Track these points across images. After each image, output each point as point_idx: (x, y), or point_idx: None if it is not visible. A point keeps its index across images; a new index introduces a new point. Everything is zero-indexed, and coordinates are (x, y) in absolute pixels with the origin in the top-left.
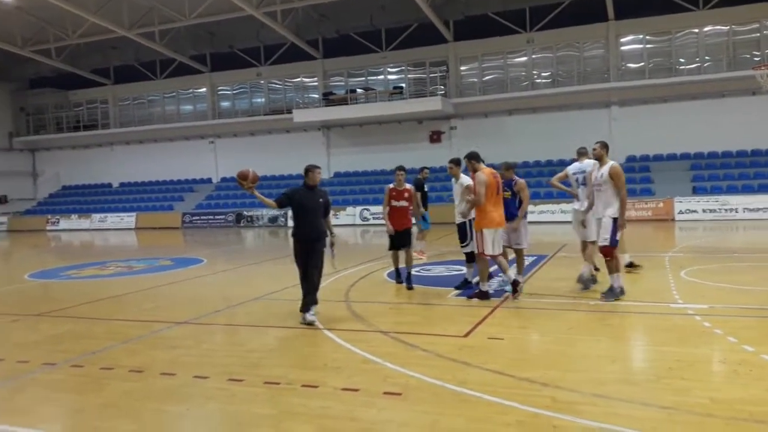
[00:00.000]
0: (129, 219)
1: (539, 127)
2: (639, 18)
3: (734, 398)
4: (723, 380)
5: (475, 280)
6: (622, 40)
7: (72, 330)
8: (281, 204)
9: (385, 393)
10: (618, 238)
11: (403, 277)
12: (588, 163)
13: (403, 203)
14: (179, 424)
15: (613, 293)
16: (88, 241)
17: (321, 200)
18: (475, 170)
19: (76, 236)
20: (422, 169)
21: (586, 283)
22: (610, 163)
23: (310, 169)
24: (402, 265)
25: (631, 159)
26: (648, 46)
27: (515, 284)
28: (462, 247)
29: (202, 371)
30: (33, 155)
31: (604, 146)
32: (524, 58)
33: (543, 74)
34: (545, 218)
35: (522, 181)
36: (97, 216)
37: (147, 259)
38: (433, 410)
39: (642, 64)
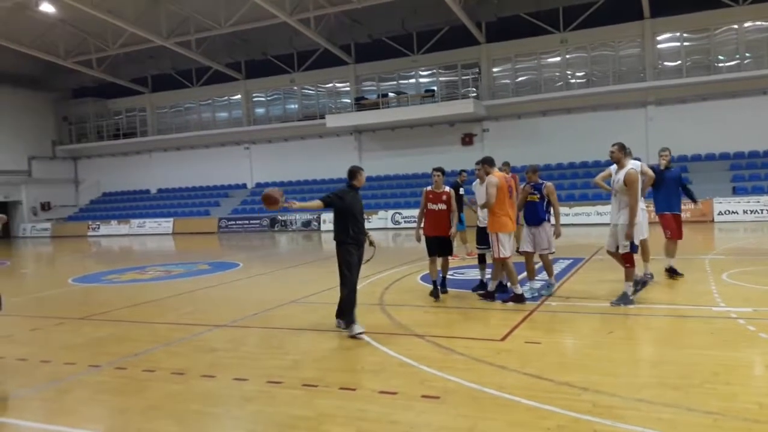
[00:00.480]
0: (166, 224)
1: (574, 128)
2: (676, 15)
3: None
4: None
5: (505, 283)
6: (659, 38)
7: (114, 333)
8: (329, 203)
9: (423, 396)
10: (637, 243)
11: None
12: (633, 163)
13: (441, 206)
14: (220, 426)
15: (625, 299)
16: (127, 246)
17: (362, 203)
18: (487, 174)
19: (115, 241)
20: (461, 172)
21: (637, 284)
22: (627, 168)
23: (357, 171)
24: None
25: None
26: (685, 43)
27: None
28: (478, 249)
29: (242, 373)
30: (75, 163)
31: (622, 148)
32: (558, 59)
33: (577, 74)
34: (580, 220)
35: (550, 184)
36: (135, 222)
37: (185, 264)
38: (472, 414)
39: (679, 62)
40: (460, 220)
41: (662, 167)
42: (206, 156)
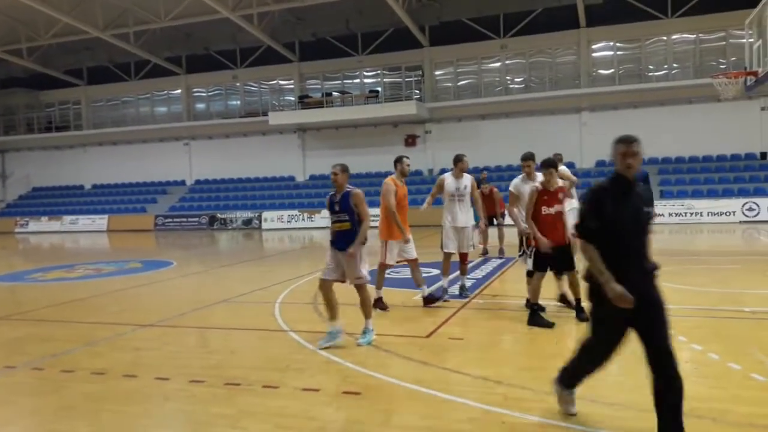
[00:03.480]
0: (101, 221)
1: (512, 132)
2: (610, 25)
3: None
4: None
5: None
6: (594, 46)
7: (33, 333)
8: None
9: (344, 392)
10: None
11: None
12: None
13: (558, 209)
14: (134, 424)
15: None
16: (57, 243)
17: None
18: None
19: (45, 238)
20: (483, 170)
21: None
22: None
23: (460, 158)
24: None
25: (601, 164)
26: (618, 53)
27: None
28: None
29: (164, 373)
30: (2, 156)
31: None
32: (498, 64)
33: (516, 80)
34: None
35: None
36: (68, 218)
37: (116, 262)
38: (388, 408)
39: (612, 70)
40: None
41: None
42: (144, 151)
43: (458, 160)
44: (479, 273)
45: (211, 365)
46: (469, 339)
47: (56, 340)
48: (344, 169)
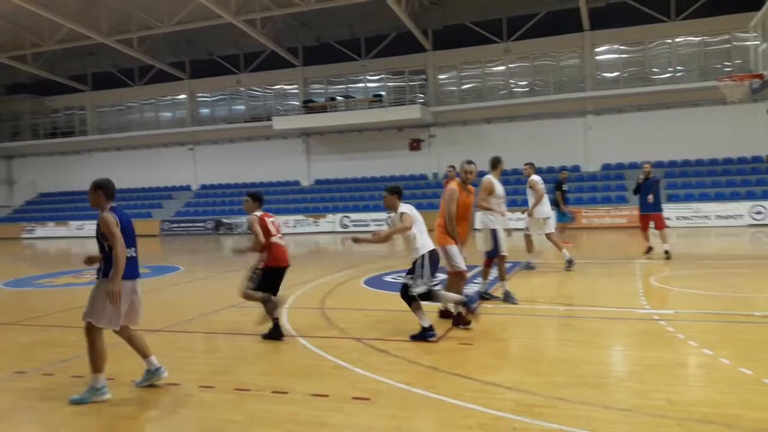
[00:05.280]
0: None
1: (517, 135)
2: (613, 29)
3: (690, 400)
4: (680, 383)
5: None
6: (598, 50)
7: (44, 338)
8: None
9: (354, 398)
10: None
11: None
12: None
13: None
14: (148, 431)
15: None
16: (64, 249)
17: None
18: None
19: (52, 244)
20: (562, 170)
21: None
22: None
23: (500, 160)
24: None
25: (606, 167)
26: (623, 56)
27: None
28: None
29: (174, 378)
30: (8, 162)
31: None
32: (502, 68)
33: (520, 83)
34: (521, 225)
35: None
36: (74, 223)
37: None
38: (399, 414)
39: (617, 73)
40: (564, 213)
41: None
42: (149, 156)
43: (499, 161)
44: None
45: (220, 371)
46: (478, 344)
47: (66, 346)
48: None
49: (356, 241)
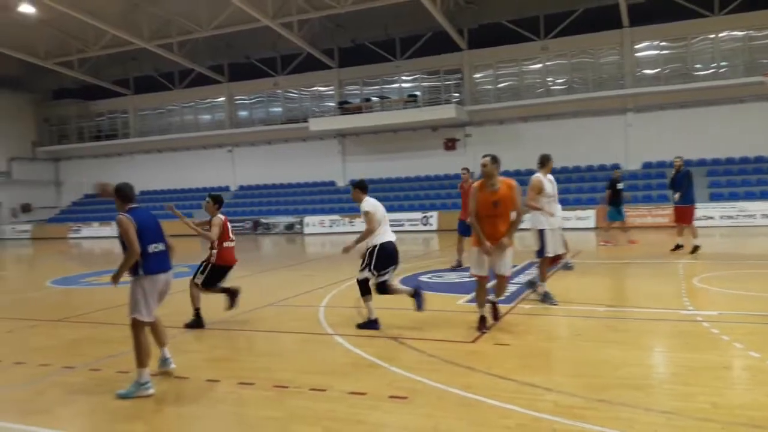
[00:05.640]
0: None
1: (554, 134)
2: (654, 24)
3: (735, 403)
4: (726, 386)
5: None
6: (637, 46)
7: (90, 335)
8: None
9: (390, 397)
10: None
11: None
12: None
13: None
14: (190, 426)
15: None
16: (108, 248)
17: None
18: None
19: (97, 244)
20: (615, 169)
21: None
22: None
23: (549, 157)
24: None
25: (647, 165)
26: (664, 52)
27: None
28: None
29: (214, 375)
30: (56, 164)
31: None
32: (539, 66)
33: (558, 81)
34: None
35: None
36: None
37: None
38: (436, 413)
39: (658, 70)
40: (620, 212)
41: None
42: (189, 158)
43: (548, 159)
44: (524, 278)
45: (259, 368)
46: (515, 345)
47: (112, 342)
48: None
49: (346, 250)
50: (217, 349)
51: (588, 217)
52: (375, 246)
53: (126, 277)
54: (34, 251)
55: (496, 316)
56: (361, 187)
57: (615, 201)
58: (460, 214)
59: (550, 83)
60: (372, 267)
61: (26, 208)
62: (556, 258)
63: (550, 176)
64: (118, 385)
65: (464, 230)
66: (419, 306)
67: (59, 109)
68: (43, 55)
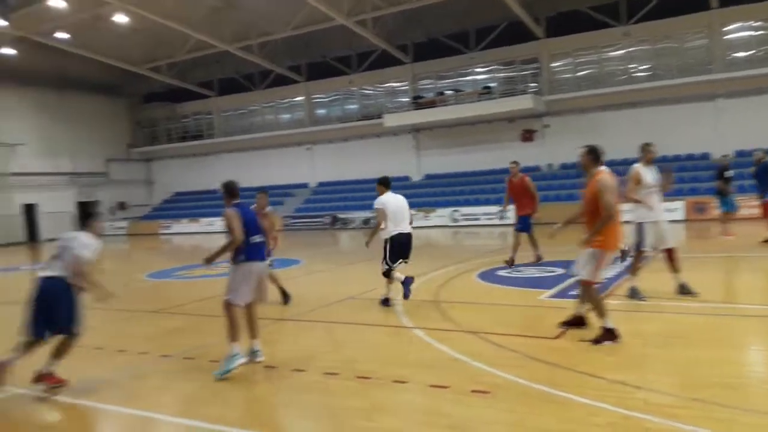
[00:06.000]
0: None
1: (638, 123)
2: (746, 5)
3: None
4: None
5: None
6: (727, 28)
7: (184, 325)
8: None
9: (473, 391)
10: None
11: None
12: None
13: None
14: (279, 413)
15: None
16: (197, 243)
17: None
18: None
19: (186, 239)
20: (723, 156)
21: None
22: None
23: (650, 145)
24: None
25: (740, 153)
26: (757, 33)
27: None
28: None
29: (300, 365)
30: (148, 165)
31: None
32: (620, 52)
33: (641, 68)
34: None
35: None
36: (205, 220)
37: None
38: (520, 409)
39: (751, 52)
40: (729, 202)
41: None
42: (270, 157)
43: (646, 148)
44: (609, 272)
45: (342, 359)
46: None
47: (203, 332)
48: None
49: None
50: (303, 339)
51: (676, 209)
52: (386, 239)
53: (218, 270)
54: (129, 247)
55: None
56: (382, 183)
57: (724, 190)
58: (517, 209)
59: (632, 70)
60: (387, 258)
61: (122, 206)
62: (669, 252)
63: (652, 166)
64: (210, 373)
65: (525, 226)
66: (406, 295)
67: (150, 111)
68: (135, 62)
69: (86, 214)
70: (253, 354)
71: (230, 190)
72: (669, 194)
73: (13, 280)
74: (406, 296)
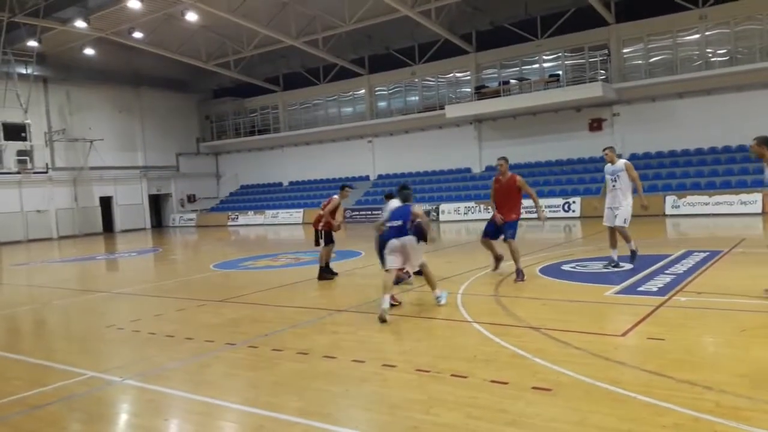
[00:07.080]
0: (297, 215)
1: (714, 111)
2: None
3: None
4: None
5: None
6: None
7: (248, 314)
8: None
9: (534, 387)
10: None
11: None
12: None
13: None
14: (337, 403)
15: None
16: (262, 235)
17: None
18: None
19: (252, 231)
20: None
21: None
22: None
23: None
24: None
25: None
26: None
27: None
28: None
29: (360, 356)
30: (216, 158)
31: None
32: (696, 36)
33: (719, 52)
34: (722, 210)
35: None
36: (270, 212)
37: (312, 252)
38: (583, 407)
39: None
40: None
41: None
42: (333, 150)
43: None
44: (680, 267)
45: (401, 351)
46: (670, 340)
47: (267, 322)
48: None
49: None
50: (362, 330)
51: (754, 201)
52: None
53: (281, 262)
54: (198, 238)
55: None
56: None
57: None
58: (503, 213)
59: (709, 55)
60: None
61: (191, 199)
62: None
63: None
64: (274, 362)
65: (495, 232)
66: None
67: (218, 106)
68: (204, 58)
69: None
70: (437, 299)
71: (402, 193)
72: (745, 186)
73: (89, 269)
74: (397, 283)
